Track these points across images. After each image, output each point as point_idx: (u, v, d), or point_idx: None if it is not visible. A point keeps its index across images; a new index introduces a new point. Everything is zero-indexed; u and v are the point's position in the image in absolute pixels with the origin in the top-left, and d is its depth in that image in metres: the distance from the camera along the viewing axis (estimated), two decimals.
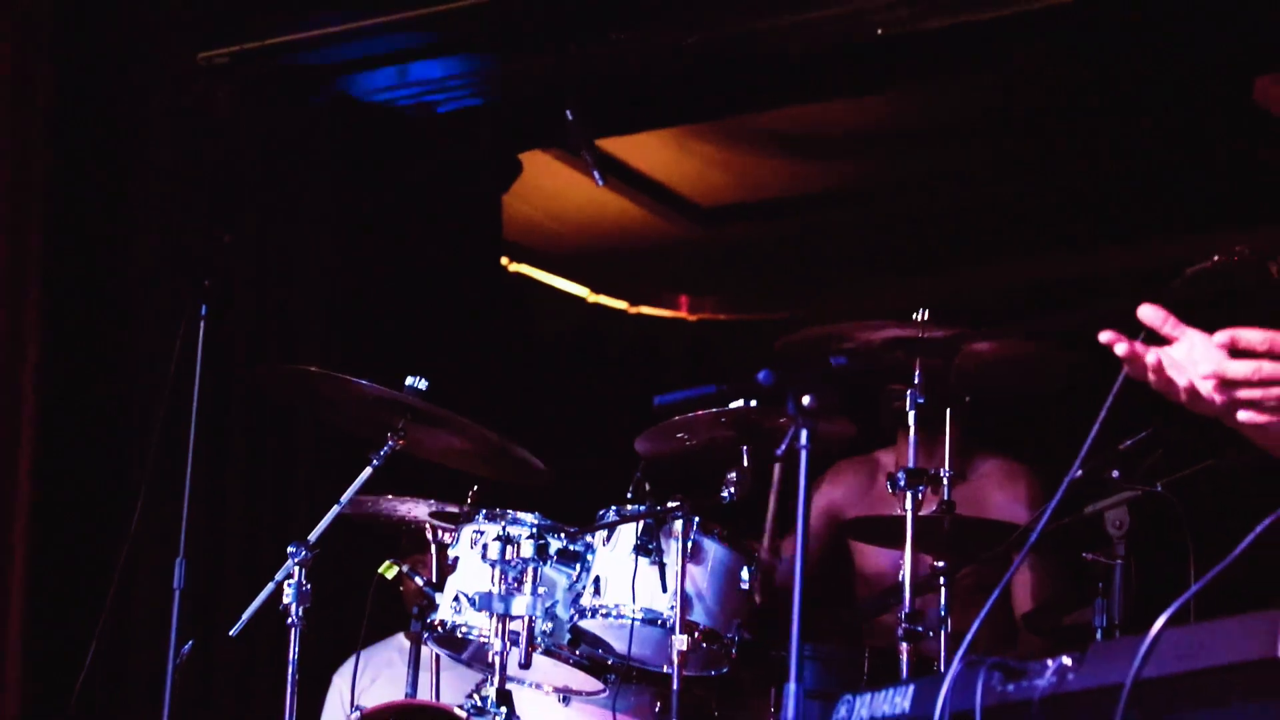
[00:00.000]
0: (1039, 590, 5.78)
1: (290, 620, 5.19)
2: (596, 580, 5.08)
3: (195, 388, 5.71)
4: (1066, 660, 3.07)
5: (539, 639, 5.05)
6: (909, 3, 6.72)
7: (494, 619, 5.05)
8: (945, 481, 5.22)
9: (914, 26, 6.75)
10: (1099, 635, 4.78)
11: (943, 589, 5.08)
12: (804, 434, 4.02)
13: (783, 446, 4.27)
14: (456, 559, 5.19)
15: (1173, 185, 8.19)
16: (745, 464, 5.17)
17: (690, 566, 5.01)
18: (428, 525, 5.51)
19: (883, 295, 8.83)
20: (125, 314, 7.07)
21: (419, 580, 5.32)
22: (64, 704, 6.24)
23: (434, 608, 5.18)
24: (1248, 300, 3.50)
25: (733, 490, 5.18)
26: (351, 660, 5.97)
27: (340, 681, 6.10)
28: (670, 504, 5.07)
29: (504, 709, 4.96)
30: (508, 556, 5.07)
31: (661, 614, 5.00)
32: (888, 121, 8.29)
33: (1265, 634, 2.79)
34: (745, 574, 5.14)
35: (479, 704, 4.95)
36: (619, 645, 5.08)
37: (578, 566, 5.12)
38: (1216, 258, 3.50)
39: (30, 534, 6.72)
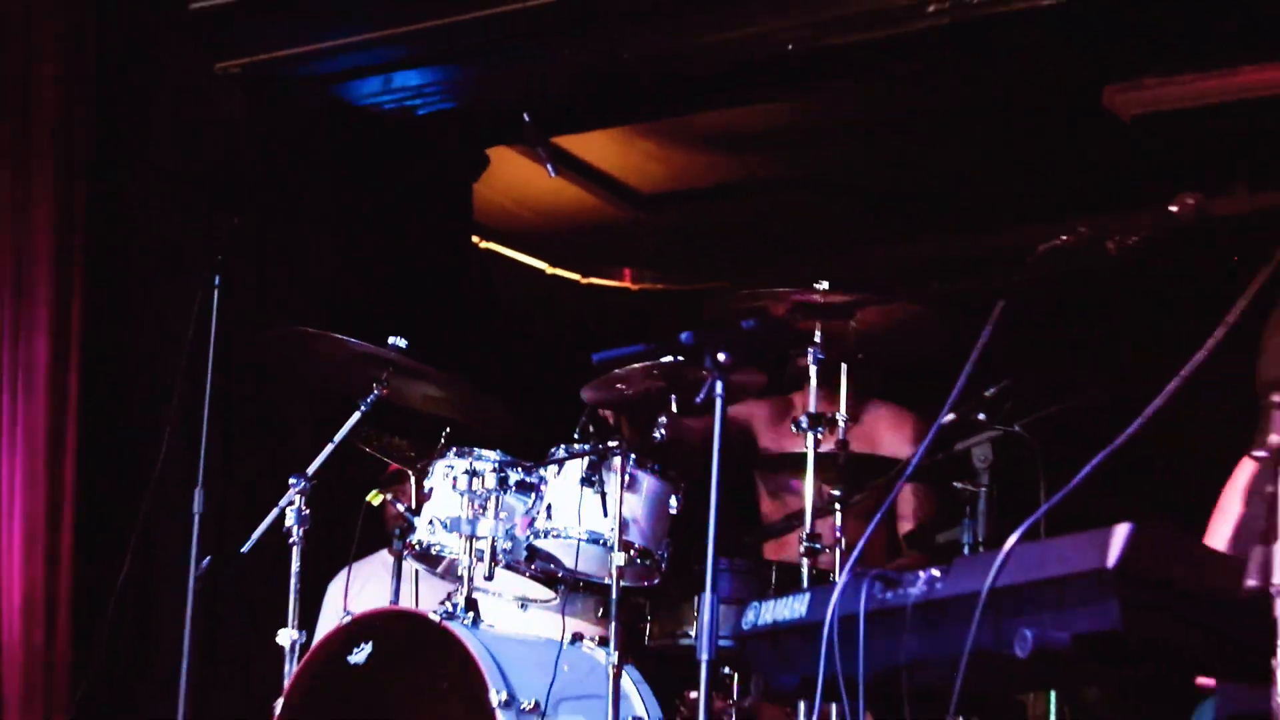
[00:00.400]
0: (918, 513, 5.79)
1: (292, 540, 5.20)
2: (548, 507, 5.07)
3: (210, 346, 5.71)
4: (935, 572, 3.10)
5: (500, 555, 5.05)
6: (813, 24, 6.74)
7: (463, 539, 5.05)
8: (841, 424, 5.21)
9: (817, 43, 6.77)
10: (966, 551, 4.81)
11: (838, 513, 5.09)
12: (719, 384, 4.05)
13: (701, 395, 4.29)
14: (431, 489, 5.17)
15: (1036, 177, 8.21)
16: (673, 409, 5.18)
17: (627, 495, 5.00)
18: (407, 460, 5.50)
19: (793, 268, 8.82)
20: (152, 288, 7.07)
21: (400, 506, 5.28)
22: (105, 607, 6.27)
23: (413, 529, 5.17)
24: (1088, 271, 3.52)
25: (663, 432, 5.19)
26: (344, 573, 5.95)
27: (334, 590, 6.09)
28: (611, 443, 5.07)
29: (471, 614, 4.95)
30: (474, 487, 5.07)
31: (603, 535, 4.99)
32: (797, 121, 8.28)
33: (1097, 548, 2.82)
34: (674, 501, 5.13)
35: (450, 610, 4.94)
36: (568, 561, 5.08)
37: (533, 495, 5.11)
38: (1064, 237, 3.50)
39: (79, 469, 6.75)
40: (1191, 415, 3.21)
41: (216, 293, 5.73)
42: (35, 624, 6.56)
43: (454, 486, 5.10)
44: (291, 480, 5.21)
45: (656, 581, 5.13)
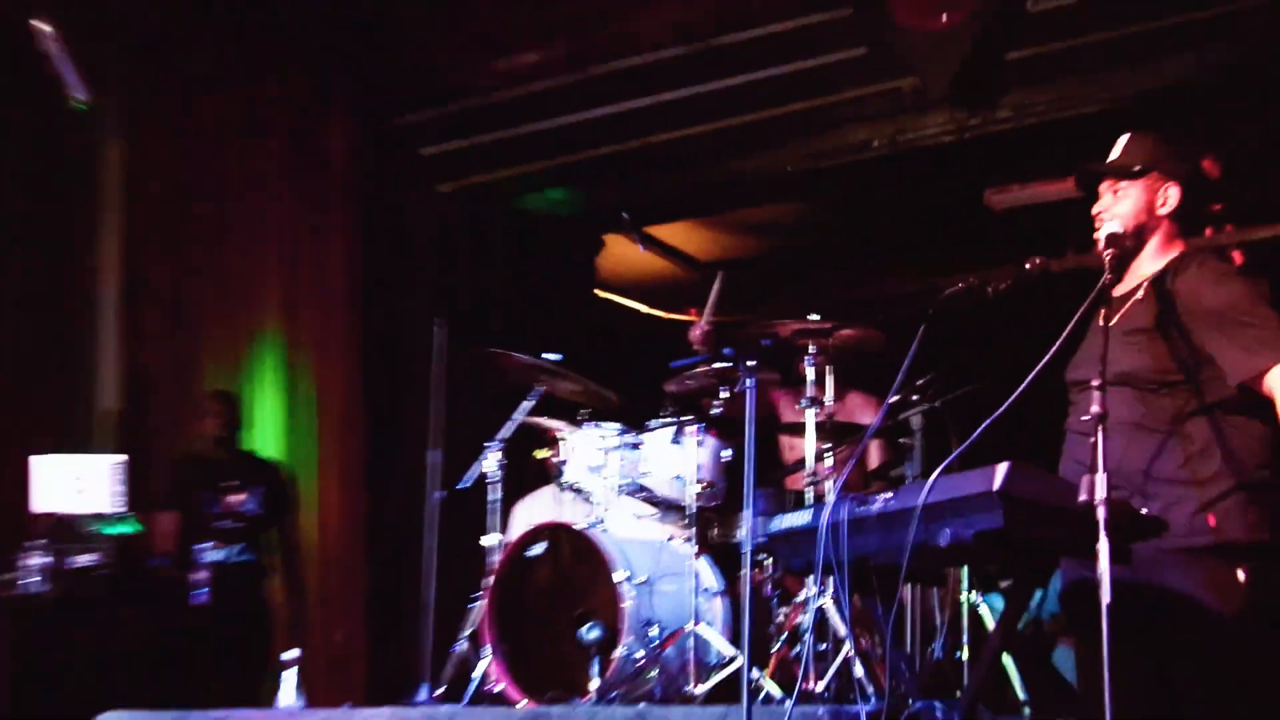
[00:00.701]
0: (880, 458, 5.76)
1: (490, 479, 5.26)
2: (648, 458, 5.09)
3: (438, 362, 5.80)
4: (889, 494, 3.13)
5: (620, 488, 5.08)
6: (805, 154, 6.82)
7: (597, 478, 5.10)
8: (829, 404, 5.11)
9: (808, 167, 6.84)
10: (908, 481, 4.80)
11: (829, 459, 5.09)
12: (749, 380, 4.07)
13: (738, 386, 4.30)
14: (575, 447, 5.19)
15: (942, 245, 8.17)
16: (724, 395, 5.19)
17: (698, 449, 5.00)
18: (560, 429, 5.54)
19: (797, 303, 8.79)
20: (403, 327, 7.22)
21: (557, 459, 5.32)
22: (385, 522, 6.38)
23: (564, 473, 5.20)
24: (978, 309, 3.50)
25: (720, 410, 5.21)
26: (524, 500, 6.04)
27: (519, 511, 6.12)
28: (687, 417, 5.08)
29: (602, 524, 5.02)
30: (602, 446, 5.11)
31: (683, 474, 5.01)
32: (795, 215, 8.31)
33: (988, 478, 2.86)
34: (727, 453, 5.10)
35: (592, 524, 5.01)
36: (661, 491, 5.08)
37: (640, 450, 5.11)
38: (960, 284, 3.49)
39: (367, 440, 6.92)
40: (1050, 394, 3.23)
41: (443, 329, 5.83)
42: (346, 534, 6.75)
43: (589, 445, 5.13)
44: (488, 444, 5.27)
45: (718, 503, 5.12)
